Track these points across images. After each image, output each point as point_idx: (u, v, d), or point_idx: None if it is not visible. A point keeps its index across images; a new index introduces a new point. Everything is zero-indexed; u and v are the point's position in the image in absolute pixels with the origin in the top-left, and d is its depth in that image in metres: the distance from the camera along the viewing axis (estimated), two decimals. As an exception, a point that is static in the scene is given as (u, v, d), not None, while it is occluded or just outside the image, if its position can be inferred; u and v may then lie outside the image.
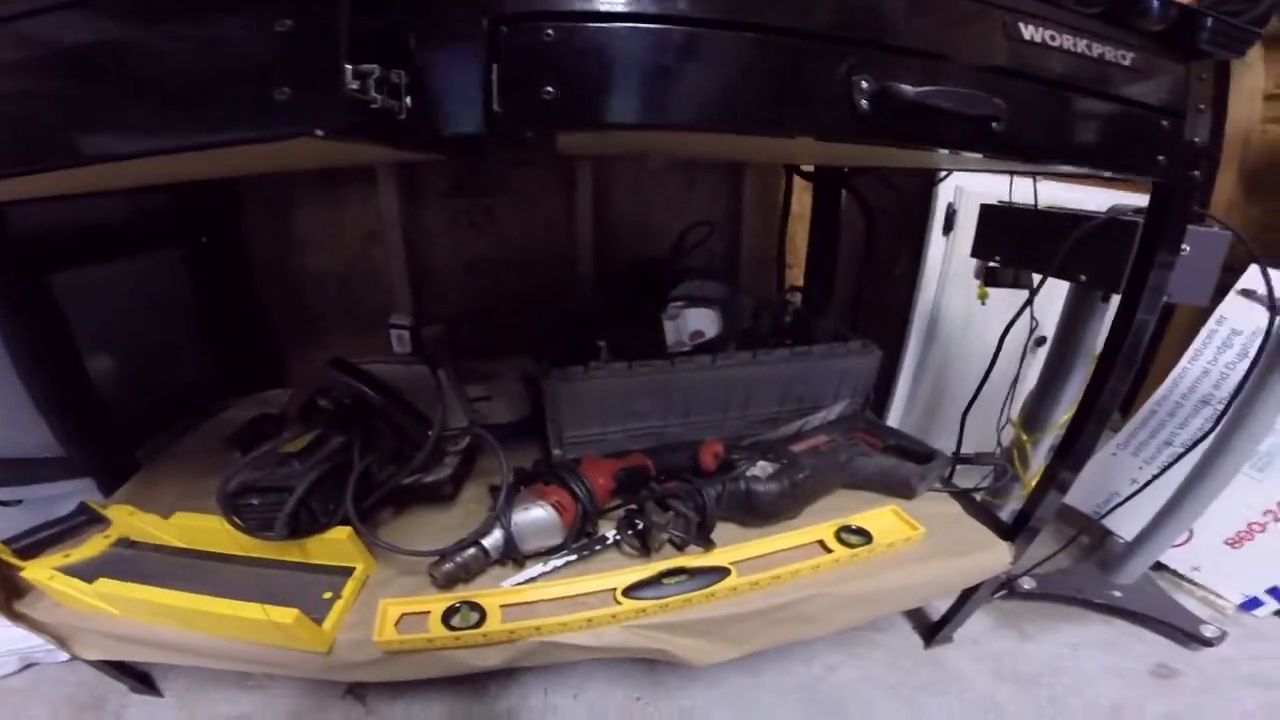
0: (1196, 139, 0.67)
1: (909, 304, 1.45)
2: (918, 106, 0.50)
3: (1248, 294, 1.12)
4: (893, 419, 1.55)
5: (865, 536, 0.86)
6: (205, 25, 0.40)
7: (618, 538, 0.84)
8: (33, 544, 0.77)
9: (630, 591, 0.76)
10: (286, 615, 0.63)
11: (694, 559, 0.81)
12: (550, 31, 0.42)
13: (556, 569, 0.79)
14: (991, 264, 1.02)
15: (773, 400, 1.11)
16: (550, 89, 0.42)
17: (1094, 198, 1.24)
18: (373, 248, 1.36)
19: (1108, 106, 0.61)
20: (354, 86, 0.39)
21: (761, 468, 0.91)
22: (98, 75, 0.43)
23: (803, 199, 1.45)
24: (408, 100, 0.43)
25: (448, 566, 0.74)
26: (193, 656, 0.68)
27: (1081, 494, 1.31)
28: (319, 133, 0.40)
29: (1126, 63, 0.60)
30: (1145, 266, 0.72)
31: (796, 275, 1.50)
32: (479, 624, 0.69)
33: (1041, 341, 1.09)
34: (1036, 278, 0.91)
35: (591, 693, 0.94)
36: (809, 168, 1.34)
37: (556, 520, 0.79)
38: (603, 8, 0.42)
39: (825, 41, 0.48)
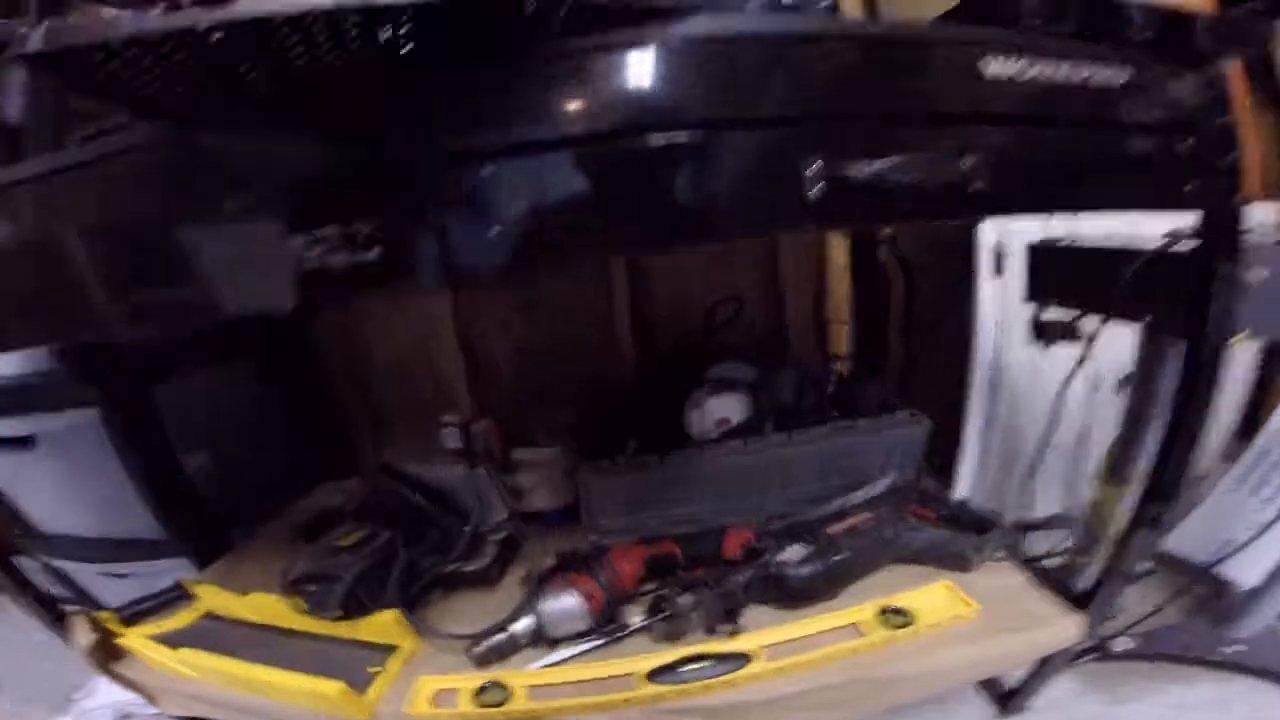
0: (1227, 154, 0.57)
1: (965, 359, 1.31)
2: (873, 184, 0.45)
3: None
4: (963, 486, 1.40)
5: (907, 616, 0.83)
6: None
7: (644, 623, 0.88)
8: (134, 614, 0.90)
9: (653, 676, 0.79)
10: (333, 688, 0.71)
11: (719, 644, 0.83)
12: (489, 169, 0.43)
13: (584, 653, 0.84)
14: (1041, 317, 0.95)
15: (813, 478, 1.09)
16: (499, 227, 0.44)
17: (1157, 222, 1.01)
18: (428, 339, 1.47)
19: (1108, 137, 0.55)
20: (312, 255, 0.43)
21: (793, 551, 0.92)
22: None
23: (840, 255, 1.42)
24: (375, 252, 0.44)
25: (480, 650, 0.81)
26: (255, 717, 0.78)
27: (1191, 541, 1.13)
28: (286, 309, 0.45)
29: (1120, 83, 0.53)
30: (1204, 300, 0.64)
31: (844, 339, 1.46)
32: (504, 702, 0.75)
33: (1129, 380, 0.94)
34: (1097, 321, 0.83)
35: None
36: None
37: (584, 608, 0.84)
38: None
39: (756, 126, 0.45)
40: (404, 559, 0.92)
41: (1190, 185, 0.58)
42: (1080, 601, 0.84)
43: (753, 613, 0.88)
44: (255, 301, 0.48)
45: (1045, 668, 0.92)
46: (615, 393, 1.44)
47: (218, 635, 0.87)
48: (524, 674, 0.80)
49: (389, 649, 0.83)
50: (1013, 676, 0.99)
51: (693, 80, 0.44)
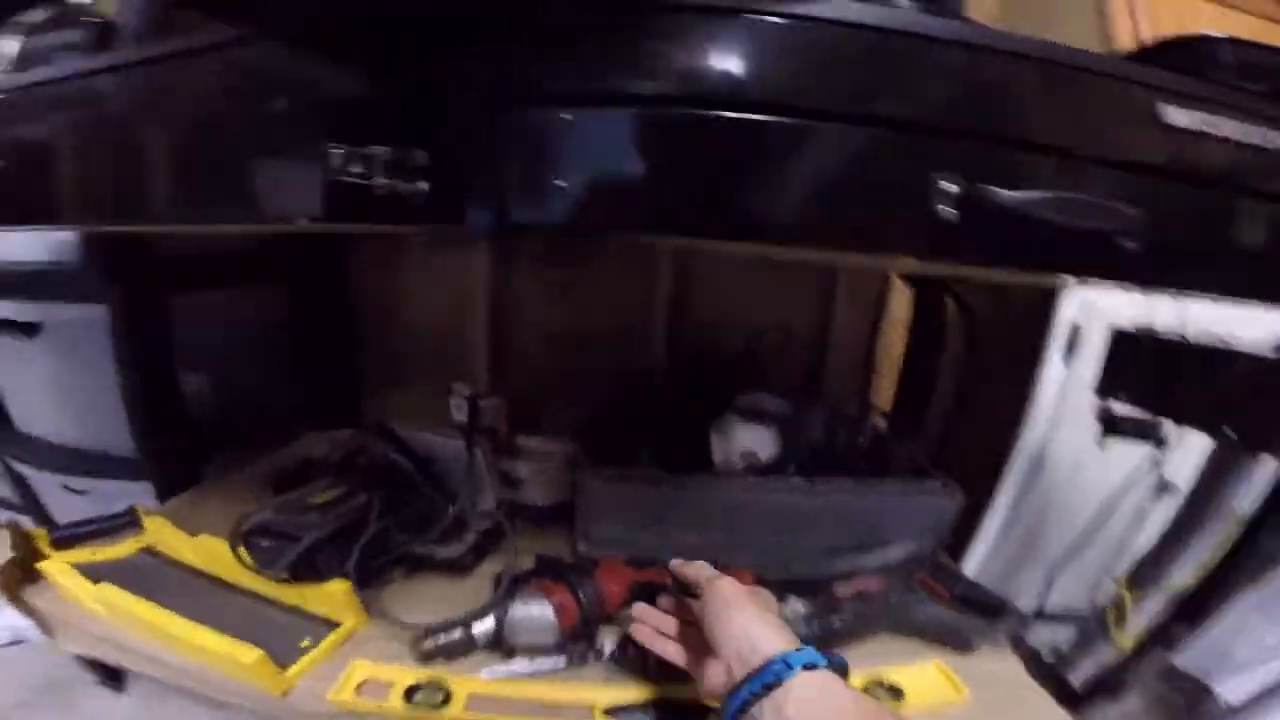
0: None
1: (1010, 438, 1.22)
2: (1018, 216, 0.37)
3: None
4: (970, 563, 1.32)
5: (897, 694, 0.75)
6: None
7: (615, 653, 0.79)
8: (71, 536, 0.82)
9: (611, 713, 0.70)
10: (250, 655, 0.63)
11: (687, 690, 0.74)
12: (568, 117, 0.37)
13: (541, 671, 0.75)
14: (1114, 409, 0.88)
15: (829, 533, 0.99)
16: (563, 183, 0.38)
17: (1265, 322, 0.91)
18: (463, 307, 1.42)
19: (1266, 207, 0.45)
20: (355, 170, 0.39)
21: (792, 609, 0.83)
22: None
23: (902, 303, 1.32)
24: (424, 185, 0.40)
25: (428, 644, 0.71)
26: (161, 670, 0.70)
27: (1189, 653, 1.01)
28: (303, 221, 0.41)
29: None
30: None
31: (887, 387, 1.37)
32: (439, 706, 0.66)
33: (1165, 489, 0.91)
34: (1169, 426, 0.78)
35: None
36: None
37: (553, 622, 0.75)
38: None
39: (899, 130, 0.38)
40: (374, 529, 0.83)
41: None
42: (1073, 700, 0.80)
43: None
44: (287, 204, 0.45)
45: None
46: (637, 397, 1.36)
47: (149, 574, 0.79)
48: (469, 679, 0.71)
49: (331, 624, 0.75)
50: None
51: (825, 64, 0.38)
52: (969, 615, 0.87)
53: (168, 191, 0.59)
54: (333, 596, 0.75)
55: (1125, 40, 1.17)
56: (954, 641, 0.86)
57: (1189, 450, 0.81)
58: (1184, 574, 0.85)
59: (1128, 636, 0.84)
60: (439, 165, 0.40)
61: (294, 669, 0.67)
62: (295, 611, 0.76)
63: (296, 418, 1.31)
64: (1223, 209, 0.45)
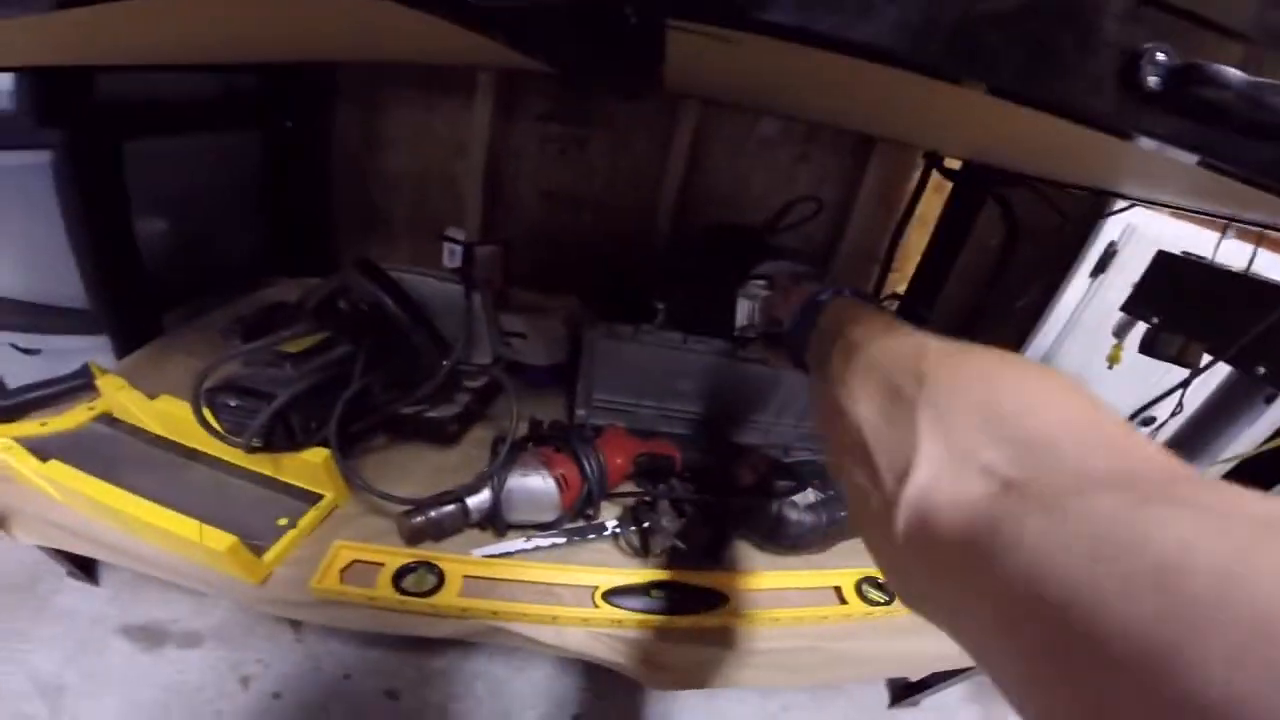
0: None
1: (1020, 343, 1.28)
2: (1238, 102, 0.29)
3: None
4: None
5: (886, 594, 0.73)
6: None
7: (618, 529, 0.74)
8: (20, 404, 0.73)
9: (611, 596, 0.66)
10: (221, 541, 0.56)
11: (694, 575, 0.71)
12: None
13: (540, 548, 0.70)
14: (1152, 324, 0.83)
15: None
16: None
17: None
18: (455, 159, 1.29)
19: None
20: None
21: (803, 496, 0.78)
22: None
23: (931, 201, 1.24)
24: None
25: (418, 520, 0.65)
26: (127, 559, 0.63)
27: None
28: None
29: None
30: None
31: (897, 282, 1.33)
32: (433, 591, 0.61)
33: (1149, 423, 0.90)
34: (1205, 358, 0.74)
35: (536, 671, 0.88)
36: (955, 162, 1.14)
37: (556, 496, 0.70)
38: None
39: None
40: (358, 385, 0.73)
41: None
42: None
43: (735, 548, 0.77)
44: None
45: (961, 674, 0.88)
46: (645, 259, 1.30)
47: (105, 447, 0.71)
48: (465, 560, 0.66)
49: (311, 498, 0.68)
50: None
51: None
52: None
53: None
54: (311, 466, 0.68)
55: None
56: None
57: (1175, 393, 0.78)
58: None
59: None
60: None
61: (271, 553, 0.61)
62: (269, 484, 0.69)
63: (266, 267, 1.20)
64: None
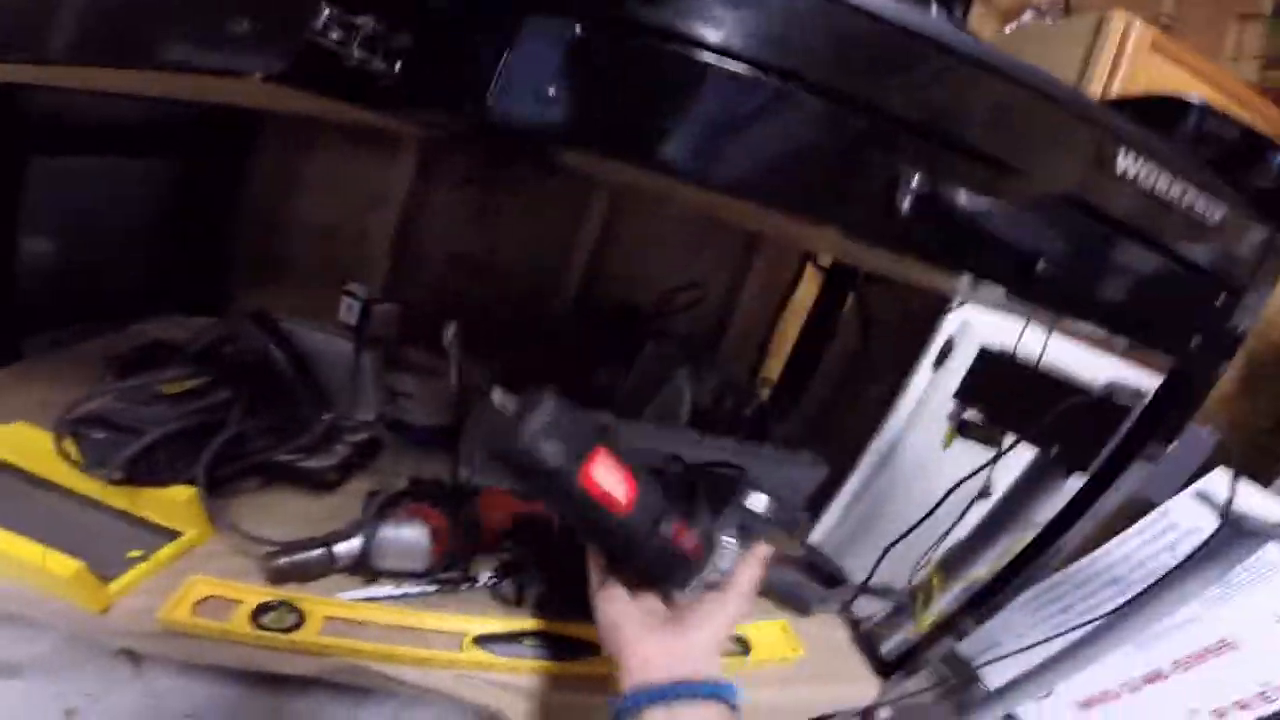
0: (1242, 326, 0.56)
1: (874, 427, 1.39)
2: (964, 222, 0.41)
3: (1202, 497, 1.03)
4: (817, 533, 1.47)
5: (744, 647, 0.79)
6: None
7: (493, 580, 0.75)
8: None
9: (482, 642, 0.67)
10: (67, 567, 0.54)
11: (564, 626, 0.72)
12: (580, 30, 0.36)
13: (408, 595, 0.70)
14: (966, 415, 0.97)
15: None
16: (553, 93, 0.37)
17: (1102, 365, 1.13)
18: (369, 213, 1.30)
19: (1170, 268, 0.50)
20: (333, 36, 0.35)
21: None
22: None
23: (808, 291, 1.39)
24: (397, 66, 0.39)
25: (282, 563, 0.65)
26: None
27: (968, 639, 1.21)
28: (258, 76, 0.37)
29: (1214, 221, 0.49)
30: (1127, 455, 0.65)
31: (774, 367, 1.45)
32: (293, 629, 0.60)
33: (985, 494, 1.00)
34: (1008, 438, 0.87)
35: (413, 713, 0.85)
36: (825, 260, 1.28)
37: (426, 546, 0.70)
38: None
39: (885, 120, 0.38)
40: (233, 430, 0.72)
41: (1196, 340, 0.56)
42: (883, 669, 0.89)
43: None
44: (248, 56, 0.39)
45: None
46: (543, 332, 1.37)
47: None
48: (328, 602, 0.65)
49: (168, 534, 0.66)
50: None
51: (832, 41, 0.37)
52: (812, 581, 0.95)
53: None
54: (174, 503, 0.66)
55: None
56: (797, 605, 0.93)
57: (1011, 467, 0.90)
58: (981, 569, 0.95)
59: (928, 619, 0.94)
60: (420, 51, 0.40)
61: (117, 584, 0.58)
62: (126, 518, 0.66)
63: (154, 302, 1.16)
64: (1123, 251, 0.48)
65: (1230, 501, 0.73)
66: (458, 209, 1.33)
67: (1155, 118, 0.50)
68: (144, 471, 0.66)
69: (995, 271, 0.46)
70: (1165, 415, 0.64)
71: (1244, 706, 1.00)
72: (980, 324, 1.23)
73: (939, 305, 1.27)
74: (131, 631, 0.59)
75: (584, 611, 0.74)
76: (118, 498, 0.67)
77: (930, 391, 1.32)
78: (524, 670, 0.67)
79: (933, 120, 0.39)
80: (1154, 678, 1.07)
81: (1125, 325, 0.54)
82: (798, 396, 1.32)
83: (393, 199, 1.28)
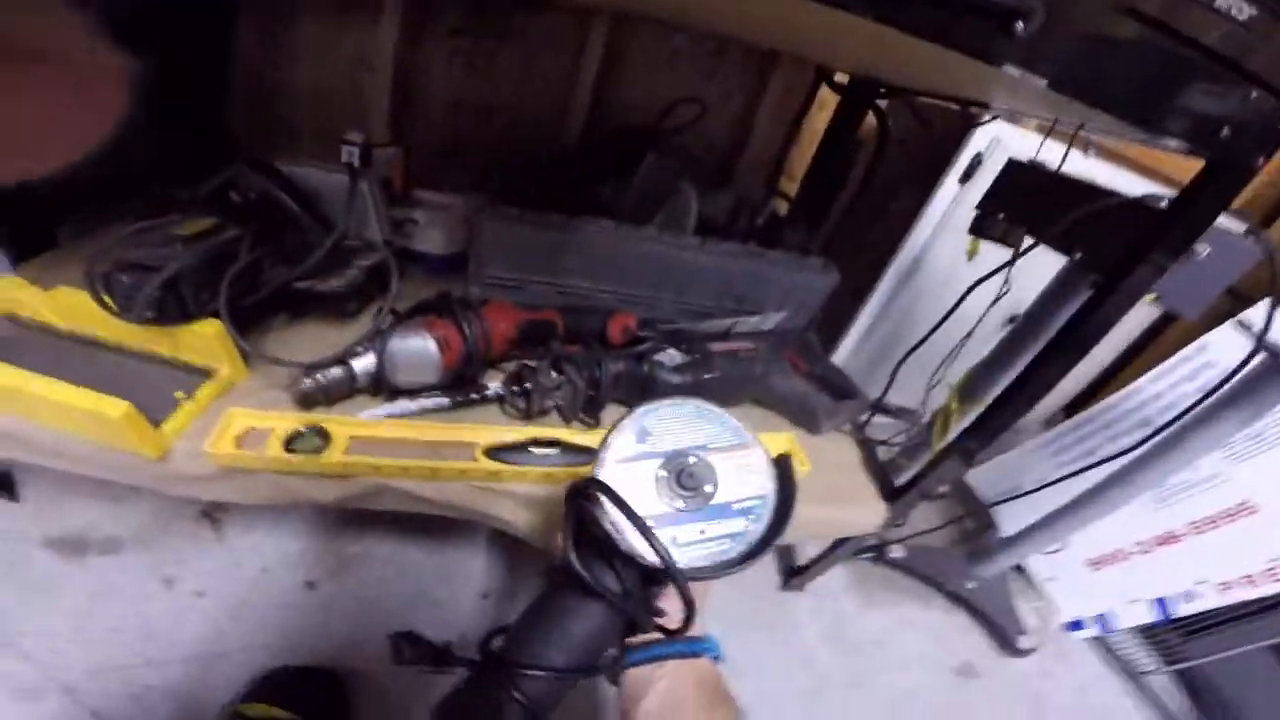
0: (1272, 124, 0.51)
1: (895, 245, 1.38)
2: None
3: (1244, 327, 1.01)
4: (839, 354, 1.52)
5: None
6: None
7: (501, 393, 0.81)
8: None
9: (493, 452, 0.73)
10: (117, 408, 0.59)
11: (573, 433, 0.78)
12: None
13: (425, 410, 0.76)
14: (999, 220, 0.94)
15: (711, 293, 1.04)
16: None
17: (1131, 181, 1.18)
18: (362, 73, 1.28)
19: (1202, 62, 0.47)
20: None
21: (670, 356, 0.86)
22: None
23: (823, 116, 1.33)
24: None
25: (307, 384, 0.71)
26: (33, 453, 0.66)
27: (987, 481, 1.30)
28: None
29: (1242, 18, 0.45)
30: (1140, 253, 0.62)
31: (790, 189, 1.42)
32: (319, 450, 0.67)
33: (1012, 321, 1.00)
34: (1027, 241, 0.84)
35: (448, 555, 0.96)
36: (843, 78, 1.22)
37: (436, 356, 0.75)
38: None
39: None
40: (246, 259, 0.75)
41: (1226, 131, 0.52)
42: (891, 495, 0.87)
43: (611, 410, 0.84)
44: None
45: (837, 550, 0.96)
46: (546, 161, 1.35)
47: (8, 342, 0.72)
48: (350, 421, 0.72)
49: (206, 373, 0.73)
50: (804, 554, 1.09)
51: None
52: (822, 393, 0.94)
53: None
54: (205, 340, 0.71)
55: None
56: (805, 420, 0.94)
57: (1033, 289, 0.88)
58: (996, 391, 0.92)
59: (943, 445, 0.92)
60: None
61: (169, 424, 0.65)
62: (168, 363, 0.73)
63: (161, 179, 1.20)
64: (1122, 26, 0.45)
65: (1266, 329, 0.67)
66: (451, 60, 1.30)
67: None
68: (173, 309, 0.70)
69: (967, 36, 0.44)
70: (1188, 213, 0.60)
71: (1252, 582, 0.99)
72: (1010, 140, 1.20)
73: (962, 121, 1.21)
74: (190, 476, 0.66)
75: (588, 418, 0.81)
76: (158, 344, 0.73)
77: (954, 207, 1.30)
78: (531, 478, 0.73)
79: None
80: (1168, 539, 1.06)
81: (1154, 117, 0.51)
82: (813, 213, 1.29)
83: (383, 59, 1.25)
